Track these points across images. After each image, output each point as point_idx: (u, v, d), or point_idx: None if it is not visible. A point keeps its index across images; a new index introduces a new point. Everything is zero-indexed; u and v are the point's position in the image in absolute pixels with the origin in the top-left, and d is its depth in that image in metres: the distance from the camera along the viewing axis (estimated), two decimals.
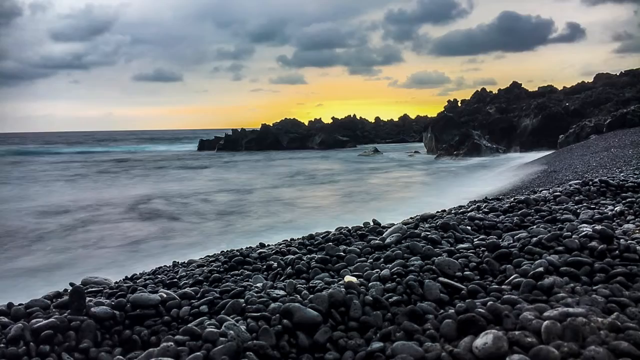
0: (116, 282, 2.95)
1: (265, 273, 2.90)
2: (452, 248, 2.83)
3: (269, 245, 3.61)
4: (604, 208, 3.67)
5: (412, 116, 70.13)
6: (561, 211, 3.60)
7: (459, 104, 44.26)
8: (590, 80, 40.91)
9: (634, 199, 3.81)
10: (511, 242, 2.84)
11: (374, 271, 2.51)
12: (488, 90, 44.40)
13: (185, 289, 2.54)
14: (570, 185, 4.52)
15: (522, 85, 42.52)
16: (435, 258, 2.57)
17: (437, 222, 3.43)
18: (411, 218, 3.83)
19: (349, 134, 58.97)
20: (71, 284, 2.49)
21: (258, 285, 2.54)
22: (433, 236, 3.02)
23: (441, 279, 2.34)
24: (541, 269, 2.27)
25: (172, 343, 1.90)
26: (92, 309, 2.22)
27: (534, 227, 3.11)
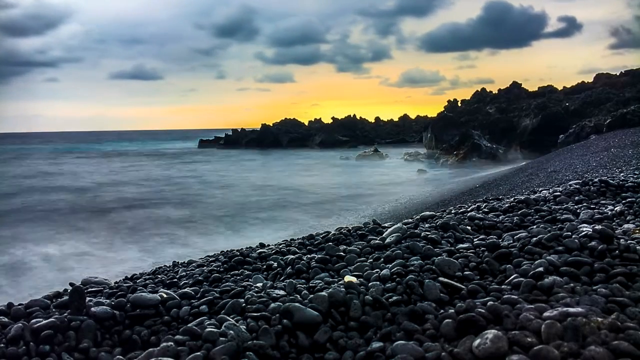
0: (116, 282, 2.94)
1: (265, 273, 2.90)
2: (452, 248, 2.83)
3: (269, 245, 3.61)
4: (604, 208, 3.67)
5: (411, 116, 70.05)
6: (561, 211, 3.60)
7: (459, 104, 44.26)
8: (589, 78, 40.96)
9: (634, 199, 3.81)
10: (511, 242, 2.84)
11: (374, 271, 2.51)
12: (488, 90, 44.44)
13: (185, 289, 2.54)
14: (570, 185, 4.52)
15: (521, 85, 42.57)
16: (435, 258, 2.57)
17: (437, 222, 3.43)
18: (411, 218, 3.83)
19: (349, 134, 58.97)
20: (71, 284, 2.49)
21: (258, 285, 2.54)
22: (433, 236, 3.02)
23: (441, 279, 2.34)
24: (541, 269, 2.27)
25: (172, 343, 1.90)
26: (92, 309, 2.22)
27: (534, 227, 3.11)
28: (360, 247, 3.05)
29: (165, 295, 2.41)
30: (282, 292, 2.33)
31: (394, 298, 2.16)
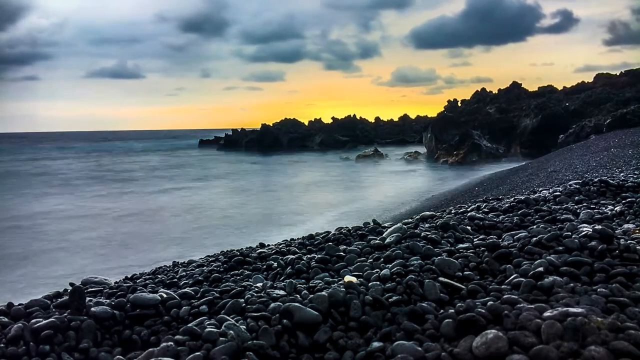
0: (116, 282, 2.94)
1: (265, 273, 2.90)
2: (452, 248, 2.83)
3: (268, 245, 3.61)
4: (604, 208, 3.67)
5: (411, 116, 69.95)
6: (561, 211, 3.60)
7: (459, 104, 44.26)
8: (586, 76, 41.14)
9: (634, 199, 3.81)
10: (511, 242, 2.84)
11: (374, 271, 2.51)
12: (487, 90, 44.47)
13: (185, 289, 2.54)
14: (570, 185, 4.52)
15: (521, 85, 42.61)
16: (435, 258, 2.57)
17: (437, 222, 3.43)
18: (411, 218, 3.83)
19: (348, 134, 58.96)
20: (71, 284, 2.49)
21: (258, 285, 2.53)
22: (433, 236, 3.02)
23: (441, 279, 2.34)
24: (541, 268, 2.27)
25: (172, 343, 1.90)
26: (92, 309, 2.22)
27: (534, 227, 3.11)
28: (360, 247, 3.05)
29: (165, 295, 2.40)
30: (282, 292, 2.33)
31: (394, 298, 2.16)
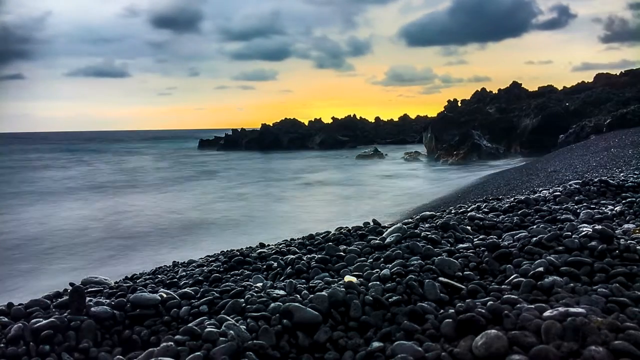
0: (116, 282, 2.94)
1: (265, 273, 2.90)
2: (452, 248, 2.83)
3: (269, 245, 3.61)
4: (604, 208, 3.67)
5: (411, 116, 69.99)
6: (561, 211, 3.60)
7: (459, 104, 44.26)
8: (585, 75, 41.25)
9: (634, 199, 3.80)
10: (511, 242, 2.84)
11: (374, 271, 2.51)
12: (487, 90, 44.49)
13: (185, 289, 2.54)
14: (571, 185, 4.52)
15: (521, 85, 42.63)
16: (435, 258, 2.57)
17: (437, 222, 3.43)
18: (411, 218, 3.83)
19: (349, 134, 58.98)
20: (71, 284, 2.49)
21: (258, 285, 2.54)
22: (433, 236, 3.02)
23: (441, 279, 2.34)
24: (541, 268, 2.27)
25: (172, 343, 1.90)
26: (92, 309, 2.22)
27: (534, 227, 3.11)
28: (360, 247, 3.05)
29: (165, 295, 2.41)
30: (282, 292, 2.33)
31: (394, 298, 2.16)
